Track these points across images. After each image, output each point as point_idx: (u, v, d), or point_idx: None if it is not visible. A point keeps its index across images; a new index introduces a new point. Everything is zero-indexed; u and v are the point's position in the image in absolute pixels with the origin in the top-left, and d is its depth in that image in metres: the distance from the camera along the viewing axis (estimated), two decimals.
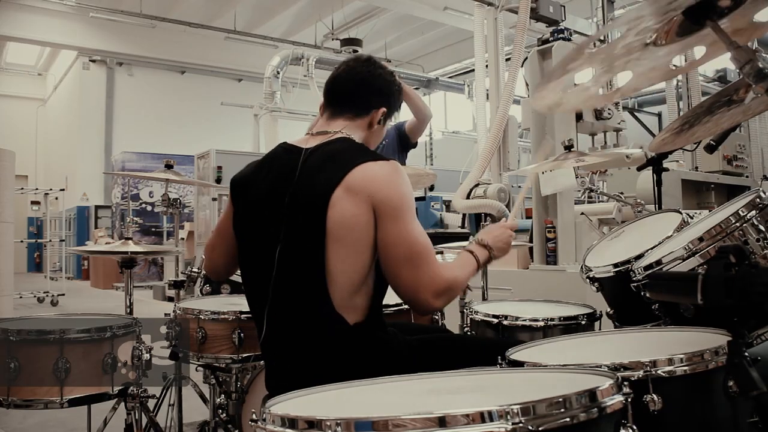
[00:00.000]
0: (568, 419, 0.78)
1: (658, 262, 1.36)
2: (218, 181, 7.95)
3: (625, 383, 0.88)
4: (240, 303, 2.10)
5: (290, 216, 1.41)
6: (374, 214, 1.36)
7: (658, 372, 1.03)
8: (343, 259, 1.35)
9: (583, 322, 1.89)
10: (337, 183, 1.36)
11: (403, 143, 3.64)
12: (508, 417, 0.75)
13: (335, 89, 1.60)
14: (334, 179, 1.37)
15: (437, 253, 2.63)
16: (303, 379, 1.16)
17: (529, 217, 3.86)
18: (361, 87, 1.59)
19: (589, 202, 4.66)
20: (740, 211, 1.27)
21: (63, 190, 10.41)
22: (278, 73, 10.94)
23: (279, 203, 1.43)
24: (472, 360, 1.31)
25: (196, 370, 2.42)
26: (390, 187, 1.38)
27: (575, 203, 4.08)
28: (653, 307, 1.43)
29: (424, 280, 1.36)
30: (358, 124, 1.57)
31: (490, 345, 1.53)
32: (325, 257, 1.35)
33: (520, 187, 4.52)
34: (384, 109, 1.59)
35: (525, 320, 1.90)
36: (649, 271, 1.38)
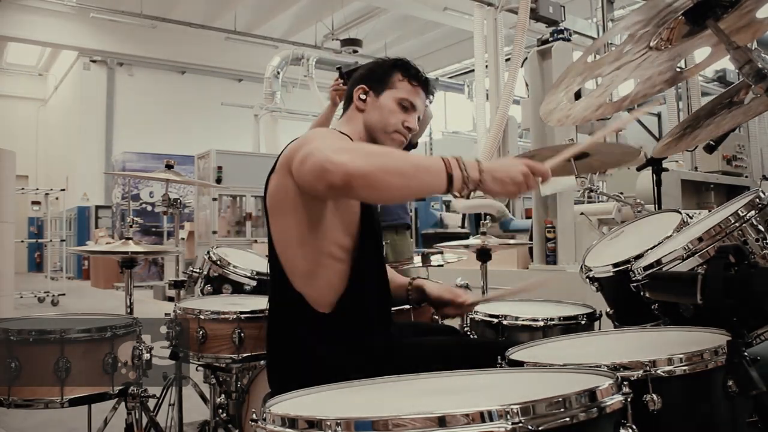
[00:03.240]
0: (567, 419, 0.78)
1: (658, 262, 1.36)
2: (218, 181, 7.95)
3: (625, 383, 0.88)
4: (240, 303, 2.10)
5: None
6: (292, 178, 1.37)
7: (658, 372, 1.03)
8: (283, 229, 1.43)
9: (583, 322, 1.89)
10: (274, 166, 1.46)
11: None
12: (508, 417, 0.75)
13: None
14: (274, 165, 1.47)
15: (436, 252, 2.64)
16: (289, 375, 1.15)
17: (528, 217, 3.87)
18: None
19: (588, 202, 4.67)
20: (739, 211, 1.26)
21: (63, 190, 10.42)
22: (278, 73, 10.96)
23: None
24: (472, 360, 1.30)
25: (197, 369, 2.42)
26: (296, 146, 1.39)
27: (575, 203, 4.08)
28: (653, 307, 1.43)
29: (318, 149, 1.21)
30: (349, 115, 1.60)
31: (490, 345, 1.53)
32: (271, 232, 1.46)
33: None
34: (362, 86, 1.57)
35: (525, 320, 1.90)
36: (649, 271, 1.38)
